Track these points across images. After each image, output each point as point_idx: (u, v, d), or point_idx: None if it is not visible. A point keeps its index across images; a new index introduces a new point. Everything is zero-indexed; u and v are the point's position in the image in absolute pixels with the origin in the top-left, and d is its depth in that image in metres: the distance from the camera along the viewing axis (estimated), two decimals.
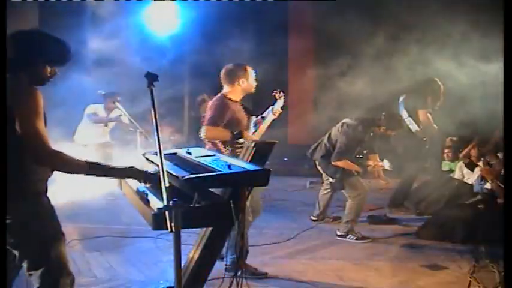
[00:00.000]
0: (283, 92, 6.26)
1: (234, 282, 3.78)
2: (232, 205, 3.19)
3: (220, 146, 5.42)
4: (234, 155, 5.13)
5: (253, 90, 5.72)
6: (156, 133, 3.02)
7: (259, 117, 6.09)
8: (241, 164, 3.51)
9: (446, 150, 9.64)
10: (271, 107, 6.16)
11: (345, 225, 7.28)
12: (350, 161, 7.36)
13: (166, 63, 11.35)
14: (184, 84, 14.36)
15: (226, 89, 5.66)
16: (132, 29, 10.98)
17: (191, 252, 4.16)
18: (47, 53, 3.24)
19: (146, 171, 3.37)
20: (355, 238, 7.12)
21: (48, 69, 3.25)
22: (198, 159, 3.84)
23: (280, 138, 5.09)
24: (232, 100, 5.58)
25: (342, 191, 7.51)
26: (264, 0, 12.29)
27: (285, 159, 13.92)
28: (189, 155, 4.10)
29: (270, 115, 6.08)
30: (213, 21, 12.11)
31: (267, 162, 3.93)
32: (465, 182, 8.53)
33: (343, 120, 7.58)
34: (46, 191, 3.27)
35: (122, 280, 5.46)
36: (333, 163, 7.39)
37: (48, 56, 3.25)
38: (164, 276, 5.51)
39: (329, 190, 8.06)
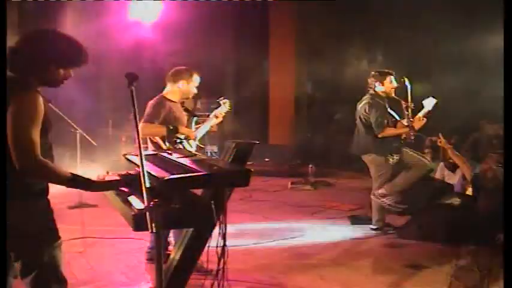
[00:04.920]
0: (227, 99, 6.39)
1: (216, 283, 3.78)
2: (213, 206, 3.19)
3: (160, 142, 5.66)
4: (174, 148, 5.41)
5: (190, 96, 5.97)
6: (136, 134, 3.01)
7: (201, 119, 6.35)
8: (222, 164, 3.51)
9: (426, 151, 9.69)
10: (215, 111, 6.31)
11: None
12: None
13: (146, 63, 11.35)
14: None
15: (166, 89, 5.89)
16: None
17: (172, 253, 4.15)
18: (61, 55, 3.19)
19: (124, 179, 3.37)
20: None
21: (62, 72, 3.21)
22: (178, 160, 3.83)
23: (261, 139, 5.10)
24: (170, 100, 5.79)
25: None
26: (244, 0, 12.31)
27: (266, 159, 13.94)
28: (169, 156, 4.09)
29: (212, 118, 6.25)
30: (194, 22, 12.11)
31: (248, 163, 3.94)
32: (446, 182, 8.58)
33: (362, 102, 7.60)
34: (46, 192, 3.23)
35: (103, 281, 5.44)
36: (379, 136, 7.36)
37: (61, 58, 3.19)
38: (145, 277, 5.49)
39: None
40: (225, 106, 6.30)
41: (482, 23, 11.18)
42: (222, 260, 4.05)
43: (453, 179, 8.60)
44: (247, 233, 7.34)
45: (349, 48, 13.61)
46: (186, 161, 3.72)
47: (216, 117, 6.25)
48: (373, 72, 7.62)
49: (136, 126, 3.03)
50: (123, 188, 3.42)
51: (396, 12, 12.58)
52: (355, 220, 8.23)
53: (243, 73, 15.32)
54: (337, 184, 12.29)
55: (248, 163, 3.93)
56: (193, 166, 3.46)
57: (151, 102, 5.77)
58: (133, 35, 11.93)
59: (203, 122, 6.24)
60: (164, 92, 5.88)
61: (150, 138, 5.75)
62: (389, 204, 7.51)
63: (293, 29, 15.27)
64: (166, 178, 3.12)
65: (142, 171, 2.88)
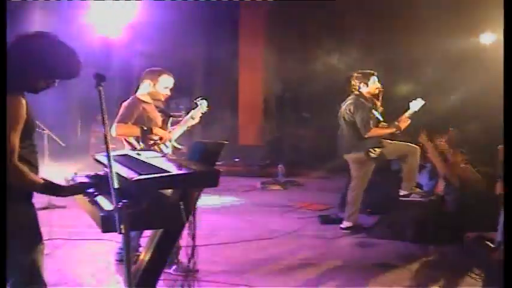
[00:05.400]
0: (205, 100, 6.32)
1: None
2: (182, 206, 3.18)
3: (134, 142, 5.65)
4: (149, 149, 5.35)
5: (160, 97, 5.92)
6: (105, 134, 3.00)
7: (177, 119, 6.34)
8: (191, 164, 3.51)
9: None
10: (192, 111, 6.29)
11: (407, 184, 7.63)
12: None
13: (116, 65, 11.28)
14: (134, 86, 14.24)
15: (139, 90, 5.90)
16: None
17: (142, 254, 4.13)
18: (47, 65, 3.13)
19: (93, 180, 3.36)
20: (419, 196, 7.58)
21: (45, 82, 3.17)
22: (147, 160, 3.81)
23: (231, 139, 5.11)
24: (143, 101, 5.78)
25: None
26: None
27: (236, 159, 13.94)
28: (138, 156, 4.08)
29: (188, 119, 6.21)
30: (164, 24, 12.07)
31: (218, 163, 3.94)
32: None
33: (346, 103, 7.63)
34: (30, 196, 3.21)
35: (71, 283, 5.39)
36: (366, 136, 7.40)
37: (47, 69, 3.14)
38: (115, 278, 5.46)
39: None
40: (201, 107, 6.25)
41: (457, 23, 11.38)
42: (192, 261, 4.05)
43: (421, 177, 8.66)
44: (217, 233, 7.33)
45: (318, 48, 13.68)
46: (155, 162, 3.71)
47: (193, 118, 6.21)
48: (356, 74, 7.66)
49: (105, 126, 3.01)
50: (91, 189, 3.40)
51: (367, 12, 12.70)
52: (325, 220, 8.26)
53: (212, 73, 15.30)
54: (307, 184, 12.34)
55: (218, 163, 3.93)
56: (162, 166, 3.45)
57: (125, 103, 5.76)
58: (102, 35, 11.83)
59: (178, 123, 6.21)
60: (138, 93, 5.87)
61: (125, 139, 5.72)
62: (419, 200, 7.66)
63: (263, 29, 15.29)
64: (134, 179, 3.11)
65: (111, 171, 2.87)
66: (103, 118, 3.01)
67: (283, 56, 14.05)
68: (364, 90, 7.54)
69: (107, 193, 3.15)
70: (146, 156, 4.02)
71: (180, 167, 3.38)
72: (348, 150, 7.64)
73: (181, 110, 14.66)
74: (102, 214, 3.03)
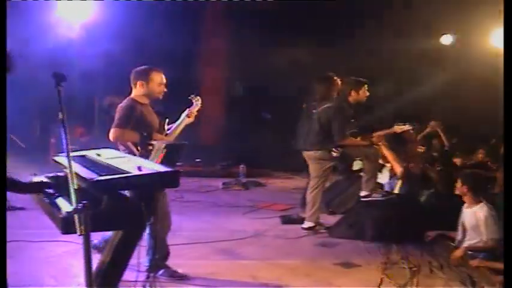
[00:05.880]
0: (199, 96, 6.21)
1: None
2: (143, 207, 3.17)
3: (132, 147, 5.41)
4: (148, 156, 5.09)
5: (157, 95, 5.71)
6: (64, 134, 2.97)
7: (173, 123, 6.07)
8: (152, 165, 3.50)
9: None
10: (187, 110, 6.10)
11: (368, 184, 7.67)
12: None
13: (76, 61, 11.14)
14: (95, 84, 14.08)
15: (134, 91, 5.67)
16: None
17: (102, 255, 4.09)
18: None
19: (52, 181, 3.33)
20: (380, 196, 7.73)
21: None
22: (107, 161, 3.79)
23: (192, 139, 5.10)
24: (140, 103, 5.58)
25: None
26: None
27: (197, 160, 13.89)
28: (98, 157, 4.05)
29: (184, 118, 6.03)
30: (125, 22, 11.96)
31: (179, 164, 3.93)
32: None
33: (327, 104, 7.60)
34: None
35: (31, 286, 5.31)
36: (339, 143, 7.42)
37: None
38: (75, 280, 5.40)
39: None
40: (196, 104, 6.11)
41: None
42: (152, 261, 4.03)
43: (383, 177, 8.76)
44: (179, 234, 7.29)
45: (279, 49, 13.70)
46: (115, 162, 3.69)
47: (189, 116, 6.02)
48: (348, 79, 7.69)
49: (64, 127, 2.98)
50: (51, 190, 3.37)
51: (330, 12, 12.78)
52: (287, 220, 8.28)
53: (172, 72, 15.20)
54: (268, 184, 12.37)
55: (179, 164, 3.92)
56: (123, 167, 3.43)
57: (121, 106, 5.56)
58: (62, 35, 11.68)
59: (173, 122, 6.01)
60: (133, 95, 5.66)
61: (121, 143, 5.52)
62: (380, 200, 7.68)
63: (225, 29, 15.26)
64: (94, 179, 3.10)
65: (70, 172, 2.84)
66: (63, 118, 2.99)
67: (245, 56, 14.05)
68: (353, 97, 7.57)
69: (66, 194, 3.12)
70: (107, 157, 3.99)
71: (140, 167, 3.36)
72: (310, 148, 7.65)
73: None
74: (61, 215, 3.01)
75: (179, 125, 6.00)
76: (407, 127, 7.80)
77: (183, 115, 6.05)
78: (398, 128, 7.81)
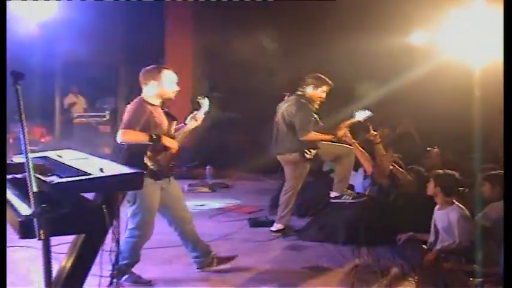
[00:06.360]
0: (207, 98, 6.02)
1: None
2: (105, 210, 3.08)
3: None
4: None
5: (169, 95, 5.55)
6: (22, 135, 2.86)
7: (182, 123, 5.90)
8: (114, 166, 3.40)
9: None
10: (194, 112, 5.93)
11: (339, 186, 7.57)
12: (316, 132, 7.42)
13: (36, 61, 10.96)
14: (56, 83, 13.85)
15: (144, 92, 5.49)
16: None
17: (63, 261, 3.97)
18: None
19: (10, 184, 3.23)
20: (350, 198, 7.52)
21: None
22: (69, 162, 3.68)
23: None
24: (150, 104, 5.40)
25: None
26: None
27: None
28: (59, 158, 3.94)
29: (191, 121, 5.85)
30: (85, 23, 11.83)
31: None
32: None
33: (288, 103, 7.56)
34: None
35: None
36: (301, 139, 7.30)
37: None
38: (35, 287, 5.25)
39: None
40: (204, 106, 5.91)
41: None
42: (115, 266, 3.93)
43: (355, 178, 8.72)
44: None
45: (247, 48, 13.66)
46: (77, 164, 3.59)
47: (196, 120, 5.85)
48: (311, 75, 7.58)
49: (23, 127, 2.87)
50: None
51: (300, 10, 12.78)
52: (255, 223, 8.19)
53: (137, 73, 15.09)
54: (235, 186, 12.28)
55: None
56: (84, 169, 3.33)
57: (130, 106, 5.38)
58: (22, 34, 11.48)
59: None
60: (144, 95, 5.46)
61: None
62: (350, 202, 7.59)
63: (190, 28, 15.18)
64: (54, 182, 3.00)
65: (29, 174, 2.75)
66: (21, 118, 2.88)
67: (211, 56, 14.00)
68: (309, 91, 7.49)
69: (25, 197, 3.03)
70: (68, 158, 3.89)
71: (102, 169, 3.26)
72: (283, 151, 7.58)
73: (106, 110, 14.46)
74: (19, 219, 2.91)
75: (186, 129, 5.84)
76: (368, 113, 7.72)
77: (190, 118, 5.88)
78: (359, 116, 7.73)
